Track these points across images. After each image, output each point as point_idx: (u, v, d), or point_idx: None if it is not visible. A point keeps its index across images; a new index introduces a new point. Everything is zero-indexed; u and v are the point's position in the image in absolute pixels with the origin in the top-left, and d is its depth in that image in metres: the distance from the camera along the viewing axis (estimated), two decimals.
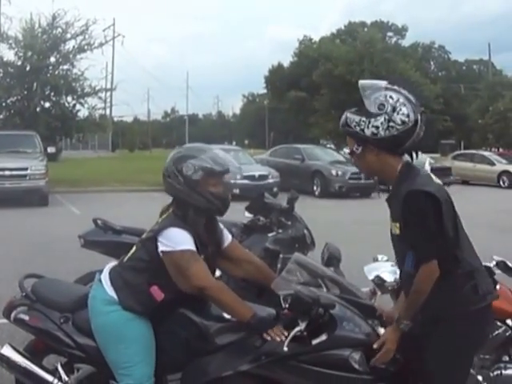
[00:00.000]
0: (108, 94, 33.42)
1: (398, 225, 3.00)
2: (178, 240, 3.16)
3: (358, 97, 3.12)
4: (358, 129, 3.01)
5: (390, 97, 2.97)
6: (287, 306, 3.05)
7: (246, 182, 19.45)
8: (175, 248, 3.14)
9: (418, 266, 2.90)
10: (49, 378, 3.49)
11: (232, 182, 18.52)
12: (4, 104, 26.07)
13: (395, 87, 3.01)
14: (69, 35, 26.17)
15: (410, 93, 3.01)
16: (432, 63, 73.95)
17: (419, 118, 2.97)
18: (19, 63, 26.10)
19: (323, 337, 3.03)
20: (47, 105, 26.27)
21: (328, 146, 38.87)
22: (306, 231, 5.45)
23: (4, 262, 6.78)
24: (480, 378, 3.91)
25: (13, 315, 3.61)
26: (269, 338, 3.03)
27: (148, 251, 3.27)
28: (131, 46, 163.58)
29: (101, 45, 27.33)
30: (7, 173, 16.80)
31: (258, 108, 65.52)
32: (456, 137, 55.32)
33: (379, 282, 4.21)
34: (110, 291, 3.31)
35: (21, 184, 16.93)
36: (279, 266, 5.02)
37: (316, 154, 23.50)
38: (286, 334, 3.00)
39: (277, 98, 52.65)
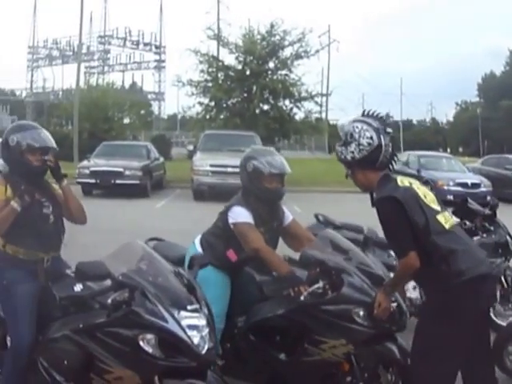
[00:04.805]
0: (324, 98, 31.36)
1: None
2: (239, 215, 4.15)
3: None
4: (342, 157, 3.64)
5: (356, 126, 3.57)
6: (298, 261, 4.00)
7: (459, 188, 18.91)
8: (237, 220, 4.15)
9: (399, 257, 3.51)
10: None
11: (445, 188, 18.52)
12: (225, 105, 26.86)
13: (361, 118, 3.64)
14: (286, 42, 26.99)
15: (376, 120, 3.58)
16: None
17: (382, 137, 3.52)
18: (239, 67, 26.88)
19: (334, 294, 3.87)
20: (266, 107, 27.40)
21: None
22: (508, 238, 5.90)
23: None
24: None
25: None
26: (292, 293, 3.92)
27: (222, 221, 4.28)
28: (346, 51, 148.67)
29: (317, 51, 28.35)
30: (229, 170, 17.00)
31: (471, 116, 61.34)
32: None
33: None
34: (199, 250, 4.30)
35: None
36: None
37: None
38: (308, 290, 3.84)
39: (490, 107, 39.60)
